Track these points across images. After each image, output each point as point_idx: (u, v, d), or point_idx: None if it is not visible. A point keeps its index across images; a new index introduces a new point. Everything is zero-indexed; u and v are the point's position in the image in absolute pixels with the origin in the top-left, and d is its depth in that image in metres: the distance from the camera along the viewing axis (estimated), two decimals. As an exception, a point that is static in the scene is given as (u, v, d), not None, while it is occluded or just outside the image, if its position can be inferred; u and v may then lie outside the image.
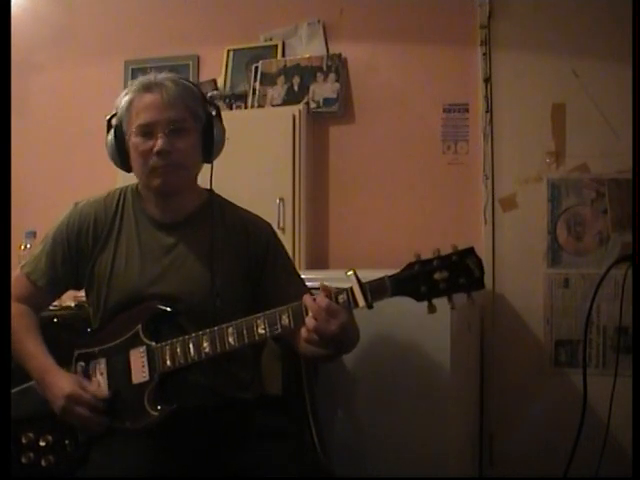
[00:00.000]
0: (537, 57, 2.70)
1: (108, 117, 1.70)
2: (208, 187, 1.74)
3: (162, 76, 1.67)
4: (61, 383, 1.58)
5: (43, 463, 1.62)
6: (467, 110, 2.78)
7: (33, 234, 2.41)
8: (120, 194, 1.76)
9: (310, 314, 1.43)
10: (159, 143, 1.60)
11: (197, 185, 1.76)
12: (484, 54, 2.74)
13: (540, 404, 2.65)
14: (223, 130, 1.73)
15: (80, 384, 1.58)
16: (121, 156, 1.67)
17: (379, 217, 2.86)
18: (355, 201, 2.90)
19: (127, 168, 1.70)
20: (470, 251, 1.38)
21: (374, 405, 2.19)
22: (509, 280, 2.68)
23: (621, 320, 2.41)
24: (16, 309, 1.69)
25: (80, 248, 1.71)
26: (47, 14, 3.31)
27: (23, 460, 1.62)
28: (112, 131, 1.68)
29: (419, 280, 1.39)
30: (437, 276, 1.38)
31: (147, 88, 1.64)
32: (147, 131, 1.62)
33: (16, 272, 1.76)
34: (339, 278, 2.17)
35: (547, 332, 2.68)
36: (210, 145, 1.69)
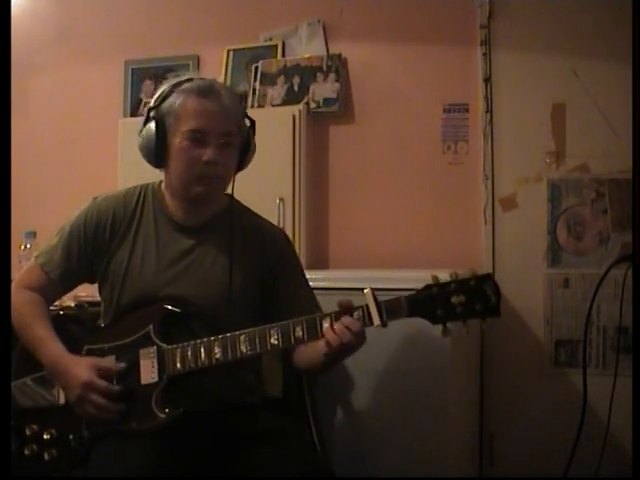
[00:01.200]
0: (537, 57, 2.70)
1: (148, 107, 1.66)
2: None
3: (218, 83, 1.66)
4: (77, 370, 1.56)
5: (46, 457, 1.61)
6: (467, 110, 2.78)
7: (33, 234, 2.41)
8: (140, 191, 1.74)
9: (335, 327, 1.44)
10: (211, 153, 1.59)
11: None
12: (484, 54, 2.74)
13: (540, 404, 2.65)
14: (254, 144, 1.73)
15: (94, 369, 1.56)
16: (157, 151, 1.62)
17: (379, 217, 2.86)
18: (355, 201, 2.89)
19: (157, 164, 1.66)
20: (488, 277, 1.39)
21: (374, 405, 2.19)
22: (509, 280, 2.67)
23: (621, 320, 2.40)
24: (27, 296, 1.69)
25: (97, 243, 1.70)
26: (47, 14, 3.31)
27: (26, 452, 1.62)
28: (152, 124, 1.62)
29: (436, 303, 1.40)
30: (454, 300, 1.39)
31: (204, 92, 1.61)
32: (199, 138, 1.60)
33: (30, 261, 1.76)
34: (339, 278, 2.18)
35: (547, 332, 2.68)
36: (243, 159, 1.70)
